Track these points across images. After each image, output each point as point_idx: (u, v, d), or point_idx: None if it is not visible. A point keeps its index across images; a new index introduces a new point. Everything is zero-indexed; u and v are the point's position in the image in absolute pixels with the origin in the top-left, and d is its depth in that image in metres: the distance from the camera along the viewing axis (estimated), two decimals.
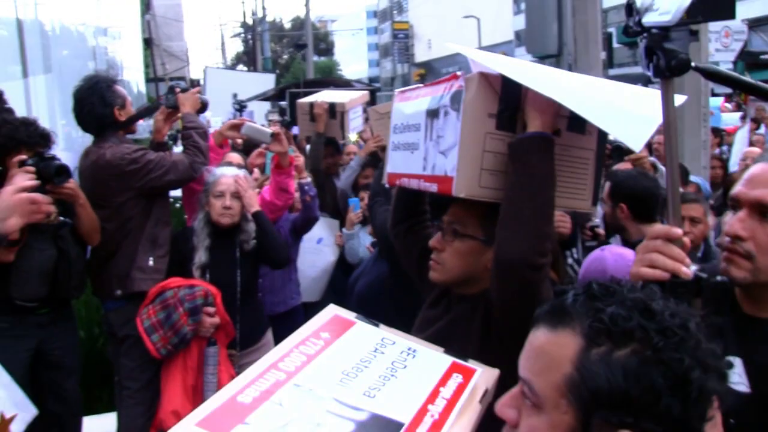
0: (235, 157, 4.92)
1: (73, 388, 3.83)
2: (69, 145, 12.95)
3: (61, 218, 3.53)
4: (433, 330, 2.09)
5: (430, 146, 2.03)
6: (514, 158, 1.86)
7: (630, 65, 36.47)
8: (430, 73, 62.03)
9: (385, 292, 3.72)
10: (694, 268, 1.52)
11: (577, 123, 1.96)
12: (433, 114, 2.02)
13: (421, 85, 2.26)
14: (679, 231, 1.56)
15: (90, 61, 19.37)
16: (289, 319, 4.60)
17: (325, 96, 5.83)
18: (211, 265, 3.78)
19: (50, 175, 3.30)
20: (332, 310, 1.74)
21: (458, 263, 2.06)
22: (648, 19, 1.56)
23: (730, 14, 1.56)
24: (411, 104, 2.21)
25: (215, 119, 18.02)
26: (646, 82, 26.33)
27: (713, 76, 1.71)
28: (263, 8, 35.73)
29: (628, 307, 1.04)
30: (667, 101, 1.57)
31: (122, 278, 3.84)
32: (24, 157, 3.28)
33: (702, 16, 1.54)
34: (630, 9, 1.61)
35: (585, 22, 6.86)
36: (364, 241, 4.98)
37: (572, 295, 1.09)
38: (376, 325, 1.73)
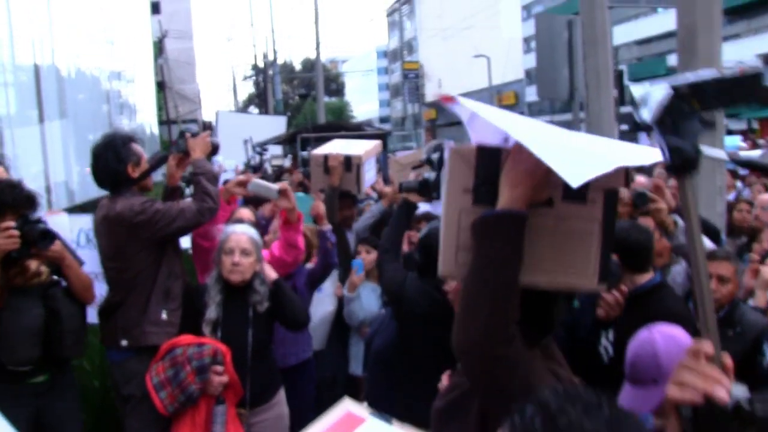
0: (246, 213, 4.91)
1: None
2: (84, 188, 13.02)
3: (54, 277, 3.52)
4: (449, 399, 2.03)
5: None
6: (474, 238, 1.75)
7: None
8: (440, 113, 62.52)
9: (402, 352, 3.62)
10: (740, 390, 1.30)
11: (575, 192, 1.74)
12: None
13: None
14: (710, 347, 1.36)
15: (104, 104, 19.62)
16: (301, 371, 4.56)
17: (338, 147, 5.68)
18: (223, 322, 3.73)
19: (34, 239, 3.33)
20: (345, 407, 1.70)
21: None
22: (643, 115, 1.44)
23: (757, 96, 1.43)
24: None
25: (228, 162, 18.12)
26: None
27: (747, 165, 1.58)
28: (274, 51, 36.08)
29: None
30: (683, 198, 1.45)
31: (129, 329, 3.83)
32: (11, 223, 3.30)
33: (719, 103, 1.44)
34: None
35: (596, 66, 6.85)
36: (368, 299, 4.94)
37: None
38: (388, 421, 1.68)
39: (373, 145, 5.90)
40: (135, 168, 3.90)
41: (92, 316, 4.03)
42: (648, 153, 1.80)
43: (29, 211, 3.42)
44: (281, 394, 3.96)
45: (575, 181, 1.53)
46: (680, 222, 3.86)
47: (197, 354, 3.52)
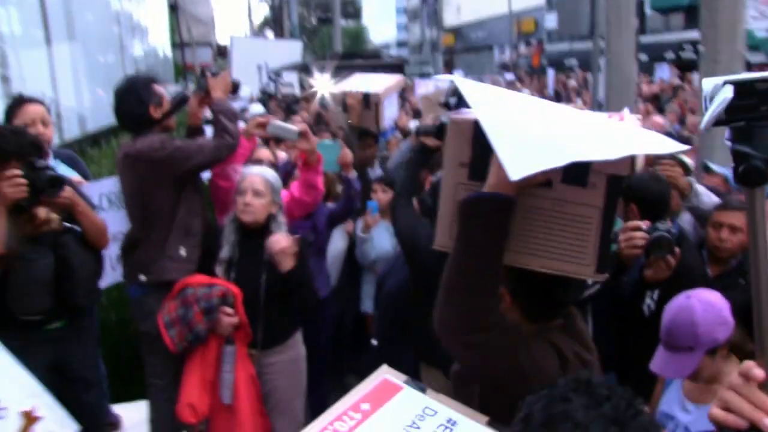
0: (265, 153, 4.94)
1: (93, 401, 3.86)
2: (96, 115, 12.89)
3: (66, 224, 3.48)
4: (457, 369, 2.06)
5: None
6: (458, 219, 1.70)
7: (662, 32, 35.63)
8: (458, 38, 61.30)
9: (413, 296, 3.63)
10: None
11: (575, 175, 1.70)
12: None
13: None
14: (762, 373, 1.27)
15: (115, 25, 19.30)
16: (318, 310, 4.55)
17: (358, 84, 5.52)
18: (237, 264, 3.77)
19: (43, 186, 3.28)
20: (382, 373, 1.72)
21: None
22: (706, 116, 1.34)
23: None
24: None
25: (244, 88, 17.92)
26: (677, 50, 25.34)
27: None
28: None
29: None
30: (750, 212, 1.36)
31: (148, 265, 3.91)
32: (17, 171, 3.24)
33: None
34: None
35: (618, 5, 6.60)
36: (381, 238, 4.93)
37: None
38: (423, 390, 1.67)
39: (395, 81, 5.77)
40: (157, 109, 3.94)
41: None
42: (640, 144, 1.75)
43: (35, 157, 3.38)
44: (297, 337, 3.98)
45: (513, 173, 1.48)
46: (696, 185, 3.80)
47: (206, 295, 3.57)
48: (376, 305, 4.31)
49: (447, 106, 3.79)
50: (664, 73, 19.13)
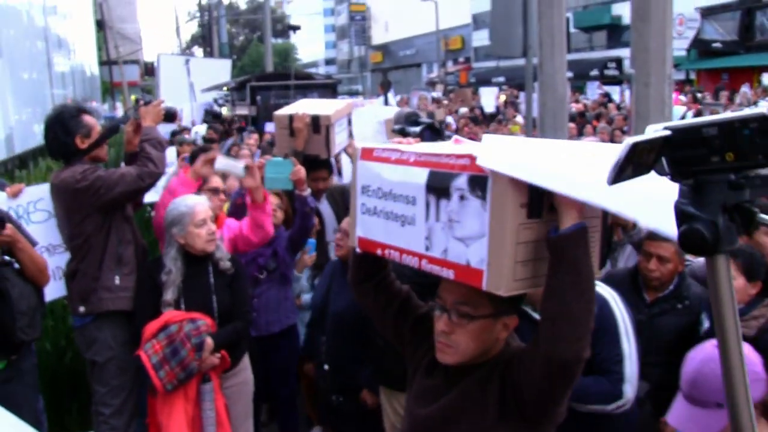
0: (217, 181, 4.78)
1: None
2: (24, 136, 12.50)
3: (6, 257, 3.39)
4: (441, 405, 2.05)
5: (437, 227, 1.94)
6: (558, 256, 1.78)
7: (586, 50, 36.97)
8: (386, 56, 61.90)
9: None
10: None
11: None
12: (439, 192, 1.92)
13: (394, 146, 2.17)
14: None
15: (41, 42, 18.80)
16: (284, 339, 4.54)
17: (305, 107, 5.21)
18: (185, 291, 3.71)
19: None
20: None
21: (473, 344, 1.99)
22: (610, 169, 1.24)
23: None
24: (394, 169, 2.09)
25: (171, 104, 17.67)
26: (601, 68, 26.36)
27: None
28: None
29: None
30: (711, 285, 1.25)
31: (85, 296, 3.89)
32: None
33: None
34: None
35: (551, 27, 6.89)
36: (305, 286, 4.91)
37: None
38: None
39: (345, 104, 5.53)
40: (84, 140, 3.94)
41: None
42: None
43: None
44: (246, 360, 4.01)
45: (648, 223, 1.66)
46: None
47: (194, 330, 3.53)
48: (321, 330, 4.11)
49: (402, 132, 3.88)
50: (595, 92, 20.01)
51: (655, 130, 1.19)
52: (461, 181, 1.85)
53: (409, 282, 2.36)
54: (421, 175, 1.98)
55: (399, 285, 2.30)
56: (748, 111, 1.13)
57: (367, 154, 2.21)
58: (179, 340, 3.49)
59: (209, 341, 3.54)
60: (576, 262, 1.76)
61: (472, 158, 1.83)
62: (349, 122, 5.43)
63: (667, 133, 1.18)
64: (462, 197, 1.85)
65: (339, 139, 5.15)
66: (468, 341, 1.98)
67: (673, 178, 1.20)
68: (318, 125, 4.94)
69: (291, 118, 4.98)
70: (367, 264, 2.26)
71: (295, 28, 31.54)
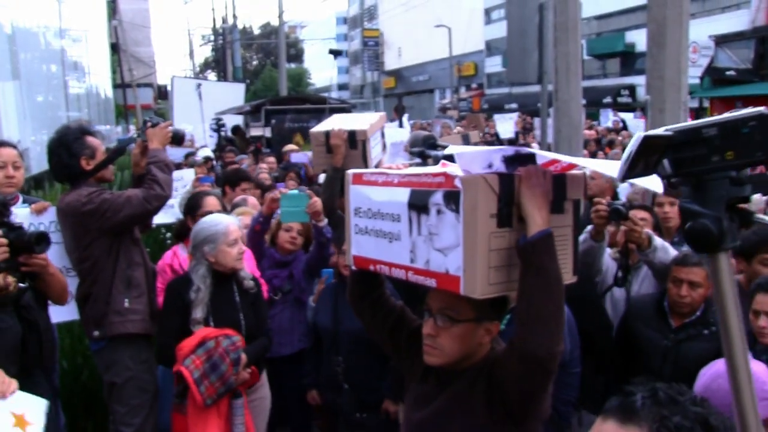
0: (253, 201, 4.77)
1: None
2: (40, 157, 12.52)
3: (21, 285, 3.27)
4: (433, 408, 2.21)
5: (419, 241, 2.11)
6: (527, 261, 1.96)
7: (600, 77, 37.04)
8: (399, 81, 62.25)
9: None
10: None
11: (557, 205, 2.09)
12: (419, 209, 2.10)
13: (381, 170, 2.36)
14: None
15: (57, 65, 18.99)
16: (294, 362, 4.49)
17: (341, 122, 5.14)
18: (213, 309, 3.73)
19: (29, 244, 3.15)
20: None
21: (457, 346, 2.15)
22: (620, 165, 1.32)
23: None
24: (381, 191, 2.28)
25: (184, 126, 17.74)
26: (615, 95, 26.53)
27: None
28: (234, 16, 35.15)
29: (691, 419, 1.19)
30: (715, 281, 1.28)
31: (98, 320, 3.86)
32: None
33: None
34: None
35: (566, 53, 6.92)
36: None
37: (641, 397, 1.24)
38: None
39: (378, 117, 5.41)
40: (89, 161, 3.89)
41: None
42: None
43: (2, 216, 3.24)
44: (264, 376, 4.04)
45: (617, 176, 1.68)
46: (655, 239, 3.85)
47: (232, 346, 3.57)
48: (336, 350, 4.08)
49: (422, 155, 3.85)
50: (608, 118, 20.08)
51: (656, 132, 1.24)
52: (437, 197, 2.04)
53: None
54: (403, 194, 2.17)
55: (394, 302, 2.48)
56: (745, 111, 1.17)
57: (358, 178, 2.39)
58: (218, 355, 3.53)
59: (244, 356, 3.61)
60: (543, 266, 1.94)
61: (446, 176, 2.01)
62: (383, 135, 5.36)
63: (669, 133, 1.22)
64: (439, 211, 2.04)
65: (375, 153, 5.09)
66: (452, 344, 2.14)
67: (675, 179, 1.25)
68: (354, 140, 4.88)
69: (327, 134, 4.91)
70: (363, 282, 2.45)
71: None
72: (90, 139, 3.95)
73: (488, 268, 1.98)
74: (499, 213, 1.97)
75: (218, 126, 11.17)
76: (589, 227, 3.87)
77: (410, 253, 2.14)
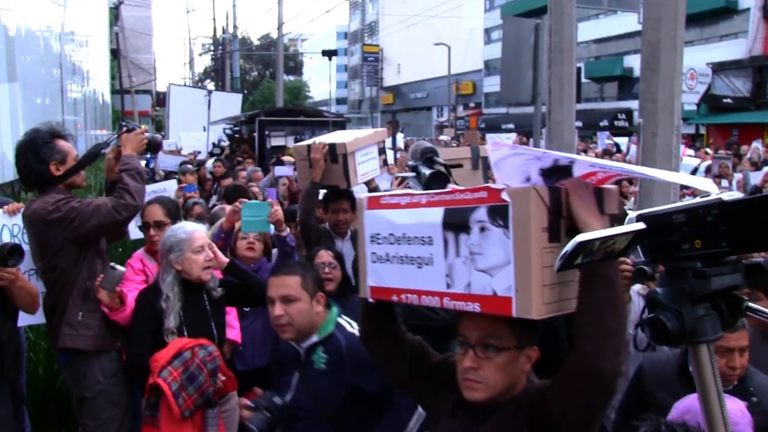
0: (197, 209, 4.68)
1: None
2: None
3: None
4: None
5: (458, 263, 1.94)
6: (596, 273, 1.83)
7: (597, 101, 37.22)
8: (397, 97, 62.47)
9: None
10: None
11: None
12: (457, 228, 1.93)
13: (402, 191, 2.23)
14: None
15: (56, 68, 19.00)
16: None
17: (326, 137, 5.08)
18: (185, 319, 3.67)
19: (1, 257, 3.09)
20: None
21: (502, 377, 2.01)
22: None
23: None
24: (406, 213, 2.11)
25: (183, 134, 17.75)
26: (611, 119, 26.65)
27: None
28: (234, 27, 35.14)
29: None
30: (696, 372, 1.24)
31: (56, 333, 3.74)
32: None
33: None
34: None
35: (561, 74, 6.92)
36: None
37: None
38: None
39: (367, 133, 5.28)
40: (59, 166, 3.72)
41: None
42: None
43: None
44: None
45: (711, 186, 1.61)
46: (634, 297, 3.65)
47: (208, 356, 3.51)
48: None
49: (415, 170, 3.81)
50: (604, 142, 20.13)
51: (628, 220, 1.22)
52: (481, 213, 1.88)
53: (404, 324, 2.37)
54: (435, 214, 2.00)
55: (411, 337, 2.33)
56: (708, 198, 1.12)
57: (374, 203, 2.22)
58: (195, 366, 3.46)
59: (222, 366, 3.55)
60: (611, 279, 1.83)
61: (490, 190, 1.86)
62: (382, 151, 5.20)
63: (641, 226, 1.18)
64: (482, 228, 1.88)
65: (364, 169, 4.92)
66: (496, 375, 2.00)
67: (648, 268, 1.21)
68: (335, 154, 4.75)
69: (310, 148, 4.83)
70: (377, 316, 2.30)
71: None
72: (61, 143, 3.77)
73: (542, 287, 1.83)
74: (550, 227, 1.84)
75: (233, 132, 11.28)
76: None
77: (446, 278, 1.97)
